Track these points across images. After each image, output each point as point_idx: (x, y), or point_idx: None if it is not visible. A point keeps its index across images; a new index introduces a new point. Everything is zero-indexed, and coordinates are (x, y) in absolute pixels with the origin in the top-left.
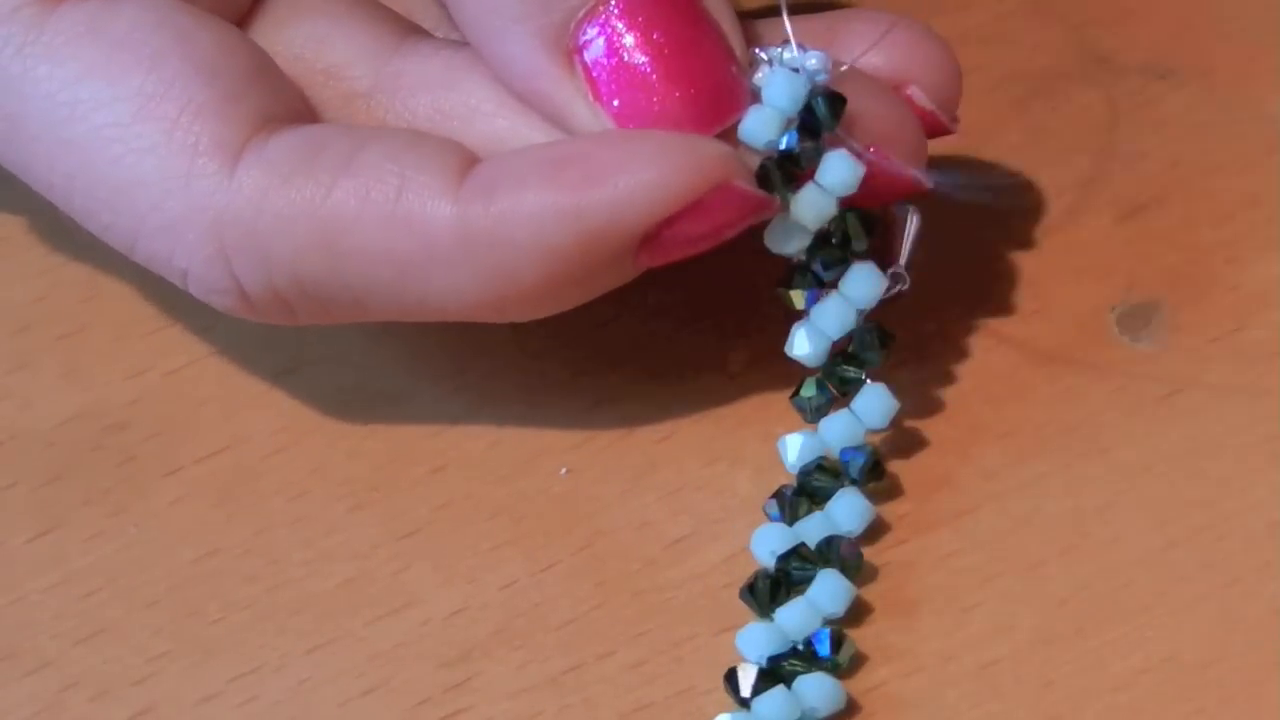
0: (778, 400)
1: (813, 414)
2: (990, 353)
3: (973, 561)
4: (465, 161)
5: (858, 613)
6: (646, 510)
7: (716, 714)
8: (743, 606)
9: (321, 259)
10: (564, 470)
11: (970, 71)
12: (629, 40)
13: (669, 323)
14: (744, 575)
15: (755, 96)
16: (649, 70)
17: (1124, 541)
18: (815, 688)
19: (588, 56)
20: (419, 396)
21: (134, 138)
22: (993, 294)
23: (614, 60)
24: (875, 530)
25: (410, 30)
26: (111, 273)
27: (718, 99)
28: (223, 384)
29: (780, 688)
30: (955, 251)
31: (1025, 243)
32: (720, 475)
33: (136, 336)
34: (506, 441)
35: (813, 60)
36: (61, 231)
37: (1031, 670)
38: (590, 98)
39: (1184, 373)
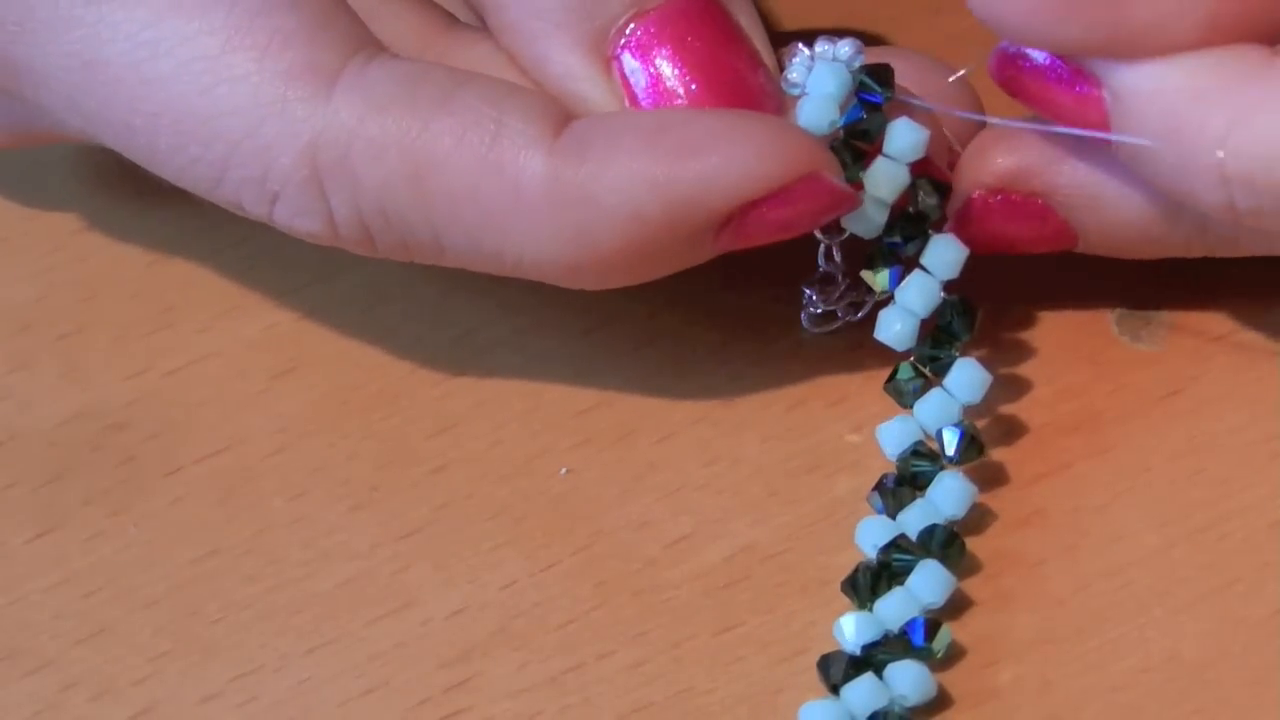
0: (778, 400)
1: (909, 397)
2: (990, 353)
3: (972, 561)
4: (562, 116)
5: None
6: (646, 510)
7: (717, 714)
8: (742, 606)
9: (408, 192)
10: (564, 470)
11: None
12: (666, 50)
13: (669, 323)
14: (744, 575)
15: (788, 102)
16: (684, 79)
17: (1124, 541)
18: (905, 676)
19: (625, 64)
20: (419, 396)
21: (225, 68)
22: (992, 294)
23: (650, 68)
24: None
25: (453, 20)
26: (111, 273)
27: (750, 109)
28: (222, 384)
29: (870, 675)
30: None
31: None
32: (720, 475)
33: (136, 336)
34: (506, 441)
35: (845, 48)
36: (61, 231)
37: (1031, 670)
38: (626, 103)
39: (1184, 373)
